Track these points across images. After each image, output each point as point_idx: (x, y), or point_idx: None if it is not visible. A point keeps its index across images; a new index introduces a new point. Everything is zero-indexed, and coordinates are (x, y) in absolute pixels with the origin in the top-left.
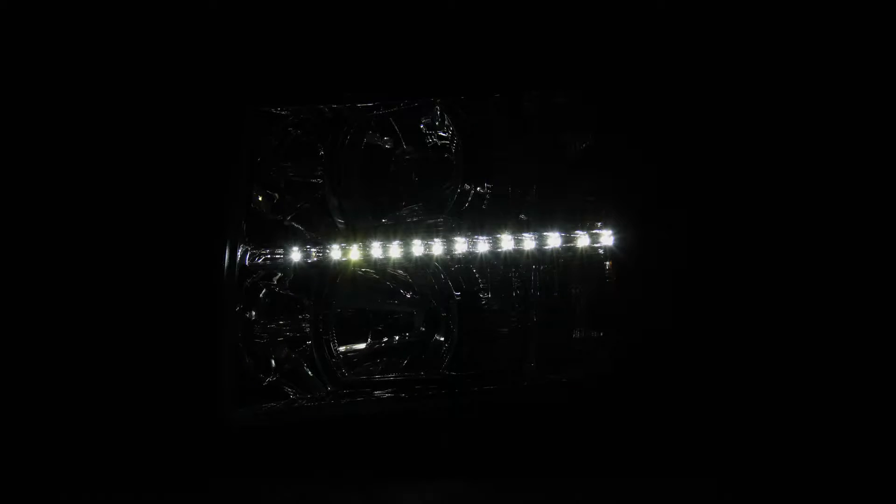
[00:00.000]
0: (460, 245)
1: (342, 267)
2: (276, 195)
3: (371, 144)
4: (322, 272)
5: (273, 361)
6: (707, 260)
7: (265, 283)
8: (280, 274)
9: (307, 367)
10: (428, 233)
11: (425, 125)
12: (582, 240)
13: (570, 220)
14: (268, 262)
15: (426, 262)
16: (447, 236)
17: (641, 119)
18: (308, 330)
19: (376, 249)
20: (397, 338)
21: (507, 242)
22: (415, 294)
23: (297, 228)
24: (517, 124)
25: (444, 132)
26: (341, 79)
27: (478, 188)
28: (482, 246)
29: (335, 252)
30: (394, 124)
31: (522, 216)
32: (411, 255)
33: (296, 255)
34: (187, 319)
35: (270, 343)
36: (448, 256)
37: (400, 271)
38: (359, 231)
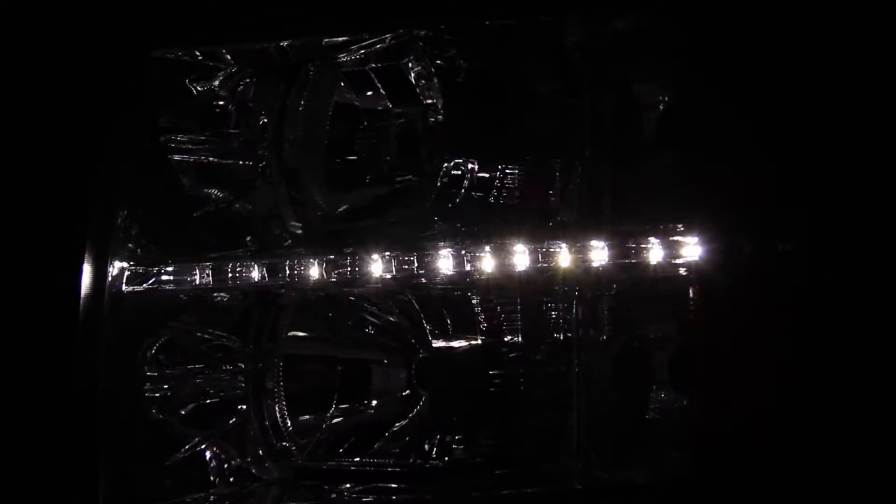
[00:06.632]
0: (446, 261)
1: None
2: (187, 182)
3: (343, 106)
4: (258, 301)
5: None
6: (858, 287)
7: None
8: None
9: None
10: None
11: (417, 74)
12: (654, 252)
13: (635, 221)
14: (162, 285)
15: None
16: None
17: (754, 63)
18: (240, 390)
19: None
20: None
21: (525, 257)
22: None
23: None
24: (552, 69)
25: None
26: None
27: (486, 171)
28: (488, 262)
29: (271, 271)
30: (371, 74)
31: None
32: (372, 276)
33: (208, 274)
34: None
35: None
36: (436, 277)
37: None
38: (320, 239)
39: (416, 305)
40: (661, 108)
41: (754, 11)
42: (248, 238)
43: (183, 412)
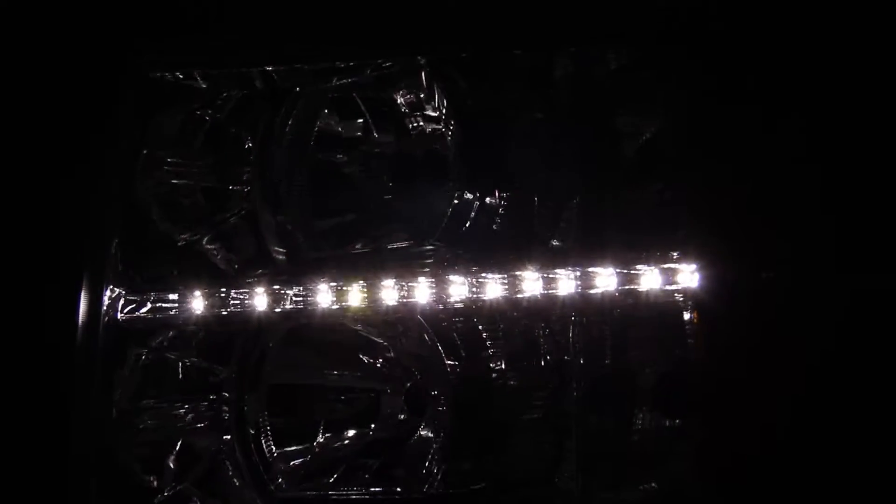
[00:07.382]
0: (457, 287)
1: (279, 322)
2: (173, 209)
3: (326, 132)
4: (248, 330)
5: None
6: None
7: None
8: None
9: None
10: (410, 268)
11: (405, 101)
12: (651, 279)
13: (631, 249)
14: (157, 313)
15: (406, 314)
16: (438, 273)
17: (744, 88)
18: (225, 419)
19: (332, 295)
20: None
21: (531, 283)
22: (389, 365)
23: (206, 261)
24: (545, 99)
25: (433, 111)
26: (277, 29)
27: (486, 198)
28: (493, 289)
29: (266, 299)
30: (359, 101)
31: (555, 242)
32: (381, 303)
33: (202, 302)
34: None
35: (162, 441)
36: (440, 305)
37: (368, 330)
38: (306, 266)
39: (410, 331)
40: (652, 137)
41: (744, 42)
42: (234, 264)
43: (167, 443)
